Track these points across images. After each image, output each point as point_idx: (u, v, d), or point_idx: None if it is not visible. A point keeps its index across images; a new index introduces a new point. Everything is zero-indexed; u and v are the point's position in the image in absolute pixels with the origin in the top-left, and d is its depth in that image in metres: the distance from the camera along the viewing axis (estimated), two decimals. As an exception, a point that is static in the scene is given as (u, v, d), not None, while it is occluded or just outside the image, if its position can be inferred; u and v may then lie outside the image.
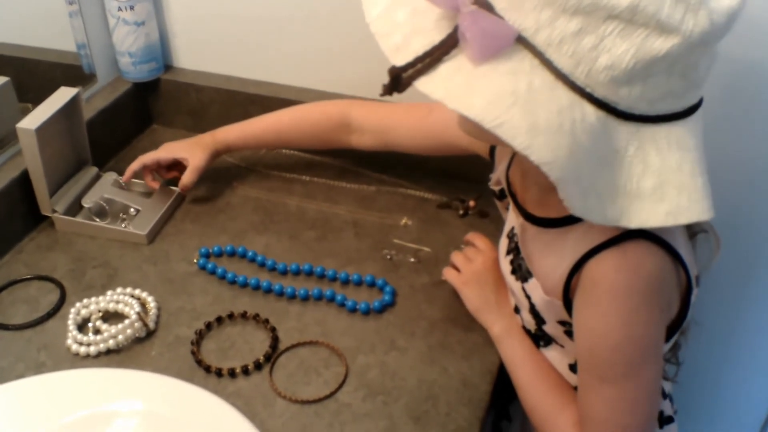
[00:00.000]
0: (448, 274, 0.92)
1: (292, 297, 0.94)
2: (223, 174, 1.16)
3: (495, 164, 0.89)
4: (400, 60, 0.60)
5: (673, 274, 0.68)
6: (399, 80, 0.60)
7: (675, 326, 0.73)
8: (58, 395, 0.78)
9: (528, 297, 0.78)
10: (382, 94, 0.62)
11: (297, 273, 0.98)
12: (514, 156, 0.82)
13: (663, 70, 0.58)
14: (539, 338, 0.82)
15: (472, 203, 1.08)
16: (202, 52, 1.23)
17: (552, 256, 0.74)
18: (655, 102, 0.59)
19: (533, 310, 0.79)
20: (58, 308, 0.92)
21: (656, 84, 0.58)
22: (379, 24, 0.63)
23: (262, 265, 0.99)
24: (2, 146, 1.02)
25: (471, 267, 0.90)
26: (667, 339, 0.73)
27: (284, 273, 0.98)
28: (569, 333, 0.77)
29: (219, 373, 0.84)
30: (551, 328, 0.79)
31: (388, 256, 1.01)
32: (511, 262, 0.82)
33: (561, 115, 0.57)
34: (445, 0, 0.60)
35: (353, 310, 0.92)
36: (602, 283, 0.67)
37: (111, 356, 0.86)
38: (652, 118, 0.60)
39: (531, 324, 0.82)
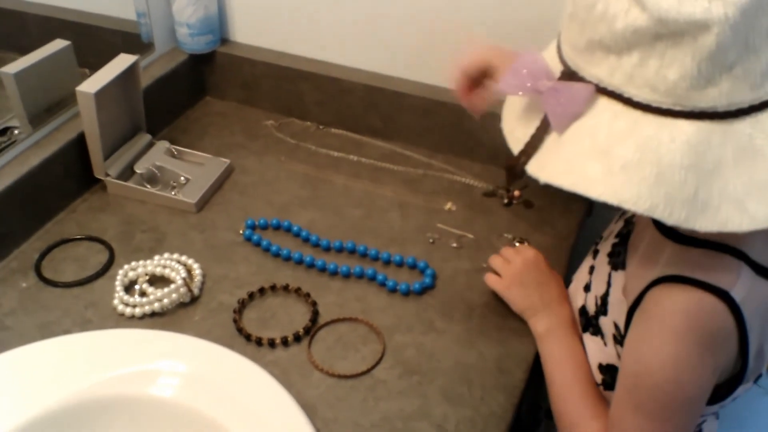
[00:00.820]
0: (490, 280, 0.92)
1: (334, 273, 0.95)
2: (272, 149, 1.18)
3: None
4: (516, 151, 0.67)
5: (734, 349, 0.68)
6: (514, 170, 0.66)
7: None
8: (103, 351, 0.80)
9: (609, 284, 0.78)
10: (506, 186, 0.67)
11: (340, 250, 0.99)
12: None
13: (738, 57, 0.56)
14: (590, 324, 0.82)
15: (517, 193, 1.08)
16: (258, 27, 1.24)
17: (649, 263, 0.72)
18: (761, 85, 0.57)
19: (605, 298, 0.79)
20: (106, 269, 0.94)
21: (744, 70, 0.56)
22: (506, 124, 0.71)
23: (306, 240, 1.00)
24: (61, 108, 1.04)
25: (511, 269, 0.90)
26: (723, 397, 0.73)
27: (327, 249, 0.99)
28: (616, 338, 0.77)
29: (259, 342, 0.86)
30: (606, 323, 0.78)
31: (431, 240, 1.01)
32: (614, 246, 0.81)
33: (641, 149, 0.58)
34: (526, 89, 0.65)
35: (393, 290, 0.93)
36: (668, 317, 0.67)
37: (155, 318, 0.88)
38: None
39: (592, 308, 0.81)
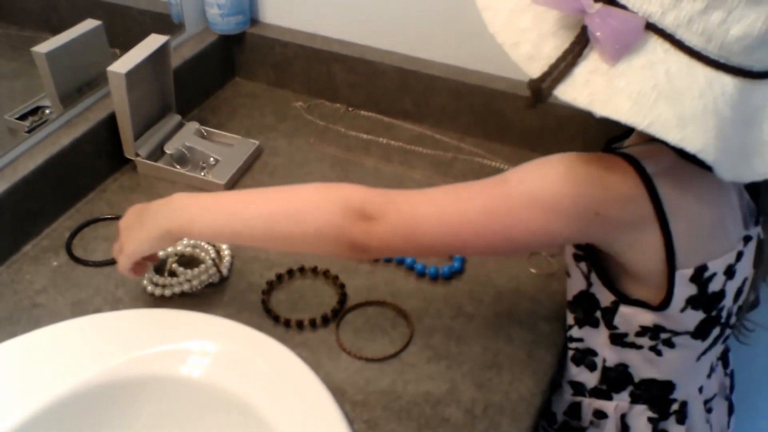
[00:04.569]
0: None
1: (363, 256, 0.95)
2: (302, 130, 1.18)
3: None
4: (536, 70, 0.60)
5: (646, 219, 0.66)
6: (541, 92, 0.60)
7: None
8: (134, 330, 0.80)
9: None
10: (527, 107, 0.62)
11: (369, 233, 0.98)
12: None
13: None
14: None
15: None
16: (288, 8, 1.24)
17: None
18: None
19: None
20: (136, 248, 0.94)
21: None
22: (505, 34, 0.63)
23: (335, 222, 1.00)
24: (92, 88, 1.04)
25: None
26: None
27: (356, 232, 0.99)
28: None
29: (287, 323, 0.85)
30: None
31: (461, 224, 1.00)
32: None
33: (703, 96, 0.57)
34: (569, 3, 0.59)
35: (422, 274, 0.93)
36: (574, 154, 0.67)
37: (184, 299, 0.89)
38: None
39: None
